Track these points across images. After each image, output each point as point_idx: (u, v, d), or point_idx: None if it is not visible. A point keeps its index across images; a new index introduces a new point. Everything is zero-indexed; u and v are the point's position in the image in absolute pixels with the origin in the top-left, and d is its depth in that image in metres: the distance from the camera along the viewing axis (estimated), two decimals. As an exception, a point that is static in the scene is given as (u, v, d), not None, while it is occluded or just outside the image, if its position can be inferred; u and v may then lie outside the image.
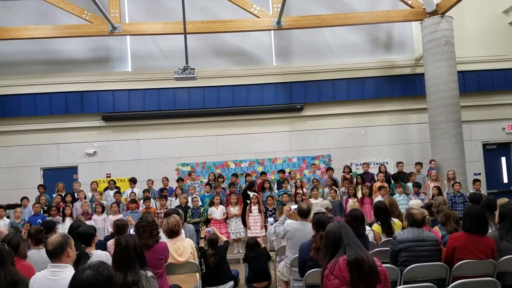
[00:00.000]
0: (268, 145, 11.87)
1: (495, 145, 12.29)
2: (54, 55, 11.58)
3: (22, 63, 11.51)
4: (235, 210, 8.89)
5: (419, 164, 10.50)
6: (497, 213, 4.50)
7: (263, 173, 10.73)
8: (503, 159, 12.34)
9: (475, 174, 11.30)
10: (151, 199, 9.35)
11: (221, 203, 8.91)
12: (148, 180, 10.36)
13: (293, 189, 9.74)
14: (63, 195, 9.55)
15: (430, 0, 10.23)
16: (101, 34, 10.35)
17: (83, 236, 4.34)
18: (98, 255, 4.08)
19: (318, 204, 6.94)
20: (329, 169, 10.66)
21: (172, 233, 4.90)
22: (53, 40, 11.09)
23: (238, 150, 11.82)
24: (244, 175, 10.98)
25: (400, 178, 9.98)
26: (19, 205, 9.32)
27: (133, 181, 10.42)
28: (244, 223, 8.97)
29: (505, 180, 12.29)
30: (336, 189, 9.46)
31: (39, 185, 10.17)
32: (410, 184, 9.51)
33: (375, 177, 10.26)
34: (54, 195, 9.64)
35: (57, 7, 10.16)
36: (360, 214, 4.63)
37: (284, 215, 5.50)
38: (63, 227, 7.91)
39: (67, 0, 10.18)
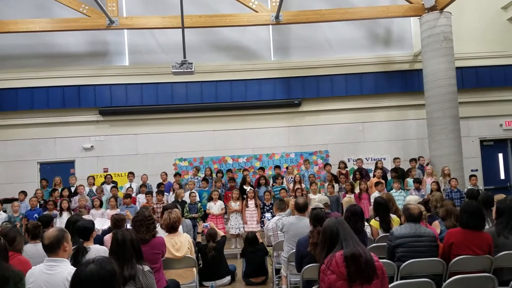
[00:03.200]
0: (266, 141, 11.85)
1: (492, 142, 12.30)
2: (51, 48, 11.50)
3: (19, 57, 11.43)
4: (236, 205, 8.85)
5: (413, 160, 10.51)
6: (494, 209, 4.51)
7: (261, 168, 10.73)
8: (500, 156, 12.35)
9: (472, 170, 11.31)
10: (149, 194, 9.30)
11: (219, 198, 8.89)
12: (143, 174, 10.35)
13: (291, 185, 9.75)
14: (59, 189, 9.53)
15: (429, -4, 10.21)
16: (99, 28, 10.27)
17: (82, 230, 4.32)
18: (97, 250, 4.08)
19: (316, 200, 6.96)
20: (327, 164, 10.67)
21: (172, 229, 4.90)
22: (50, 33, 11.00)
23: (236, 145, 11.78)
24: (241, 170, 10.99)
25: (398, 173, 10.00)
26: (16, 199, 9.29)
27: (132, 174, 10.41)
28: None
29: (502, 176, 12.31)
30: (335, 184, 9.46)
31: (42, 179, 10.20)
32: (410, 180, 9.52)
33: (369, 173, 10.27)
34: (49, 189, 9.62)
35: (55, 0, 10.08)
36: (359, 209, 4.61)
37: (289, 210, 5.55)
38: (60, 221, 7.90)
39: (64, -7, 10.12)
